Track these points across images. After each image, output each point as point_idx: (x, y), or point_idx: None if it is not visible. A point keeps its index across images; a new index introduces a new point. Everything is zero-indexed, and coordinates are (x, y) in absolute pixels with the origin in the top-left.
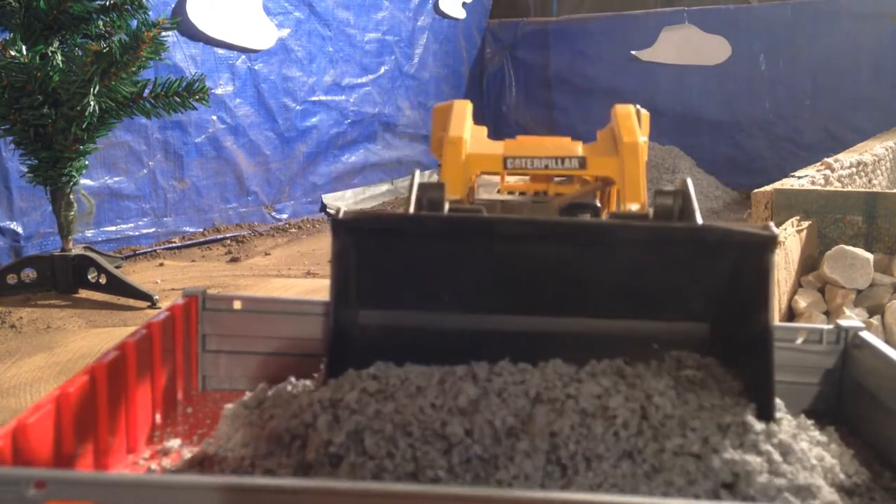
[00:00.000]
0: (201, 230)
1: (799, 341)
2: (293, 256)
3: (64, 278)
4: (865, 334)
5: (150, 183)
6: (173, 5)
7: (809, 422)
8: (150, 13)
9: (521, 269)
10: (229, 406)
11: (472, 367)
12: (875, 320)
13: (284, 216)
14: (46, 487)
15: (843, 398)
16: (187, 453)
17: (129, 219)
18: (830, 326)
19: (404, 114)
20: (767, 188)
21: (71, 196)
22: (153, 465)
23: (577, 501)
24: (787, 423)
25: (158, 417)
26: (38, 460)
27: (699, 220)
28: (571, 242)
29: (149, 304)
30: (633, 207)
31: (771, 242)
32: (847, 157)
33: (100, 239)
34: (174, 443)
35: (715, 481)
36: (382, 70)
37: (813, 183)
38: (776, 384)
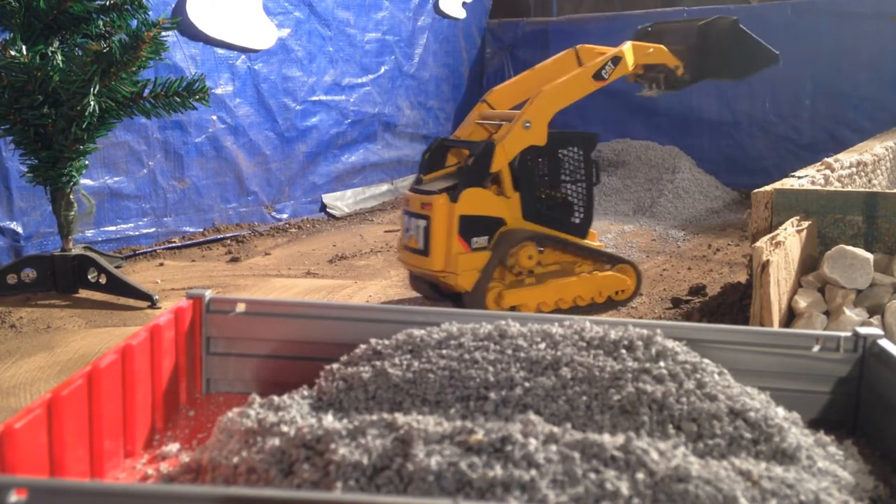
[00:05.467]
0: (201, 230)
1: (815, 349)
2: (293, 256)
3: (64, 278)
4: (884, 342)
5: (150, 183)
6: (173, 5)
7: (828, 438)
8: (151, 13)
9: None
10: (225, 416)
11: None
12: (875, 320)
13: (284, 216)
14: (29, 494)
15: (860, 408)
16: (186, 458)
17: (129, 219)
18: (848, 334)
19: (404, 113)
20: (767, 188)
21: (71, 196)
22: (150, 471)
23: None
24: (805, 439)
25: (159, 421)
26: (28, 465)
27: None
28: None
29: (149, 303)
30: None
31: None
32: (847, 157)
33: (100, 239)
34: (173, 447)
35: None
36: (382, 70)
37: (813, 183)
38: (791, 393)
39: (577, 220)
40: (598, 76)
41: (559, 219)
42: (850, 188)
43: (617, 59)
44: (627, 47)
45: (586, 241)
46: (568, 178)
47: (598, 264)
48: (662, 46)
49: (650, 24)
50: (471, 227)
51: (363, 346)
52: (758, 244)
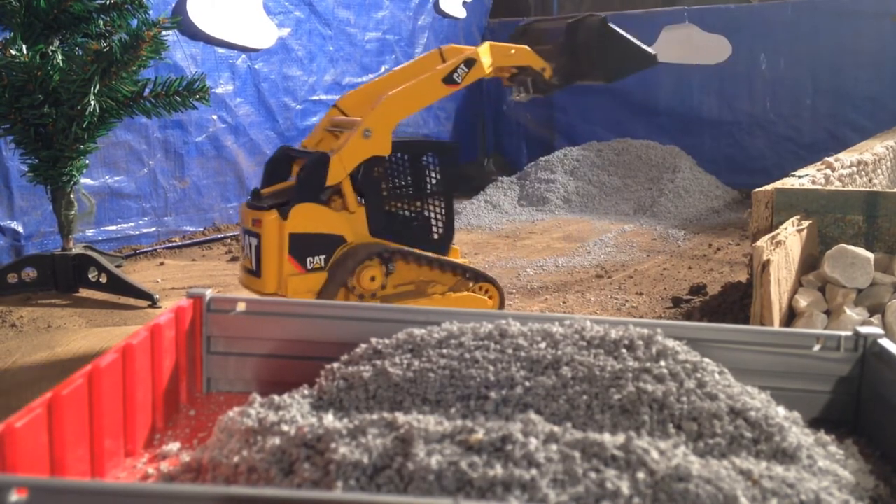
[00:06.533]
0: (202, 229)
1: (816, 348)
2: None
3: (64, 277)
4: (885, 341)
5: (150, 182)
6: (174, 4)
7: (828, 437)
8: (151, 12)
9: None
10: (225, 416)
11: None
12: (876, 319)
13: None
14: (30, 494)
15: (861, 407)
16: (186, 457)
17: (129, 218)
18: (848, 333)
19: None
20: (768, 187)
21: (71, 195)
22: (150, 470)
23: None
24: (806, 438)
25: (160, 421)
26: (29, 464)
27: None
28: None
29: (149, 303)
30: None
31: None
32: (847, 157)
33: (100, 238)
34: (173, 447)
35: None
36: (383, 69)
37: (813, 182)
38: (791, 392)
39: (436, 236)
40: (449, 80)
41: (414, 234)
42: (850, 187)
43: (471, 62)
44: (484, 48)
45: (447, 258)
46: (427, 191)
47: (457, 283)
48: (526, 47)
49: (527, 22)
50: (304, 246)
51: (363, 346)
52: (758, 243)
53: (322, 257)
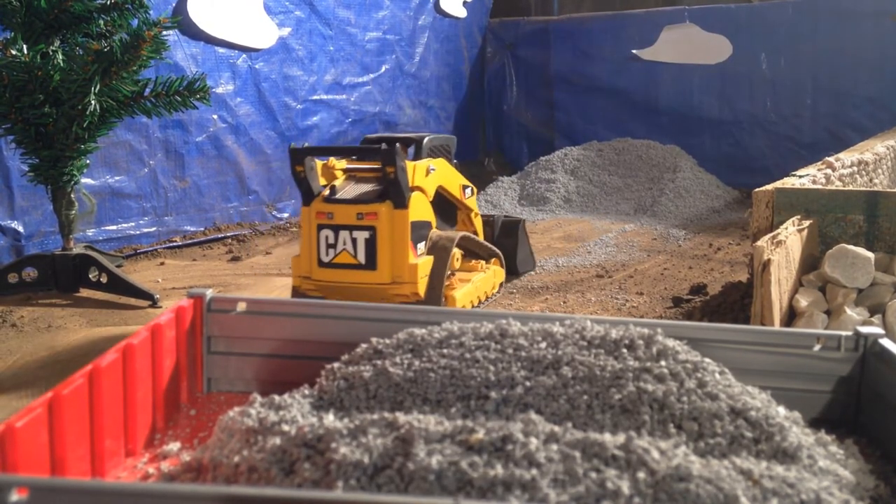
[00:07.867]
0: (202, 229)
1: (816, 348)
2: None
3: (65, 277)
4: (885, 341)
5: (150, 182)
6: (174, 4)
7: (829, 437)
8: (151, 12)
9: None
10: (226, 416)
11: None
12: (876, 319)
13: (285, 215)
14: (30, 493)
15: (861, 407)
16: (186, 457)
17: (129, 218)
18: (849, 333)
19: (405, 113)
20: (768, 187)
21: (72, 195)
22: (151, 470)
23: None
24: (806, 438)
25: (160, 420)
26: (29, 464)
27: None
28: None
29: (150, 303)
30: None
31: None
32: (848, 156)
33: (101, 238)
34: (174, 446)
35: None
36: (383, 69)
37: (814, 182)
38: (792, 392)
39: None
40: None
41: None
42: (851, 187)
43: None
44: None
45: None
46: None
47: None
48: None
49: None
50: (416, 233)
51: (364, 346)
52: (759, 243)
53: (423, 243)
